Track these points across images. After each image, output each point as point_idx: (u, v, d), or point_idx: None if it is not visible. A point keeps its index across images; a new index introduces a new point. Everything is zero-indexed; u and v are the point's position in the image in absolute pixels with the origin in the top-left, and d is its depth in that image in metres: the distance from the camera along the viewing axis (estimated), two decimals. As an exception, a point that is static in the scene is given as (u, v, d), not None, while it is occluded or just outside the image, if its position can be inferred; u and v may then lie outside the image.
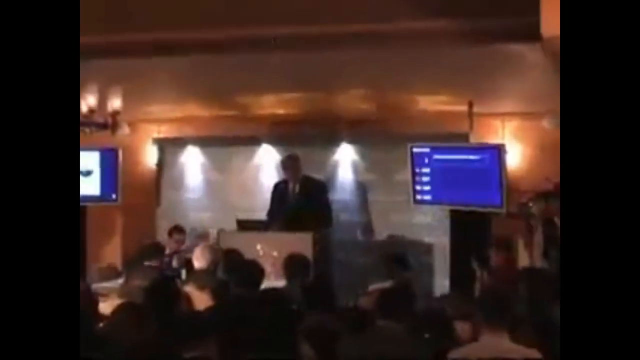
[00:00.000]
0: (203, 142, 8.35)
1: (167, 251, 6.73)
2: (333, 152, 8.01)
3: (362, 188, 7.95)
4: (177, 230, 7.32)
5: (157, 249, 6.51)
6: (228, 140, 8.16)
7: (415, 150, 6.98)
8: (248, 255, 5.67)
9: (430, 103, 7.04)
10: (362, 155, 7.96)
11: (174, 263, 6.52)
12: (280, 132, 7.85)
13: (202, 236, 7.66)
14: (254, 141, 8.14)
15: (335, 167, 8.01)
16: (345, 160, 8.01)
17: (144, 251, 6.40)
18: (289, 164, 7.20)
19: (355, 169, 7.98)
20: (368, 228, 7.89)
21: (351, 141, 7.93)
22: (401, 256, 5.91)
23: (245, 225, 6.93)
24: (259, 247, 6.32)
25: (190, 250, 7.09)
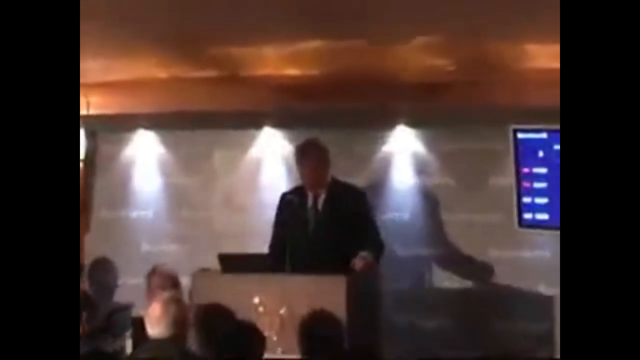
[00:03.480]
0: (163, 122, 8.42)
1: None
2: (382, 141, 8.09)
3: (430, 200, 7.99)
4: None
5: (84, 302, 6.54)
6: (206, 120, 8.21)
7: (521, 136, 7.07)
8: (239, 313, 5.71)
9: (548, 58, 7.01)
10: (430, 145, 8.02)
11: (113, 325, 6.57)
12: (292, 107, 7.86)
13: (162, 281, 7.67)
14: (250, 121, 8.21)
15: (384, 164, 8.10)
16: (402, 153, 8.09)
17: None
18: (308, 156, 7.04)
19: (420, 167, 8.04)
20: (441, 268, 7.90)
21: (412, 122, 7.99)
22: None
23: (233, 264, 6.92)
24: (257, 300, 6.36)
25: (138, 304, 7.14)
